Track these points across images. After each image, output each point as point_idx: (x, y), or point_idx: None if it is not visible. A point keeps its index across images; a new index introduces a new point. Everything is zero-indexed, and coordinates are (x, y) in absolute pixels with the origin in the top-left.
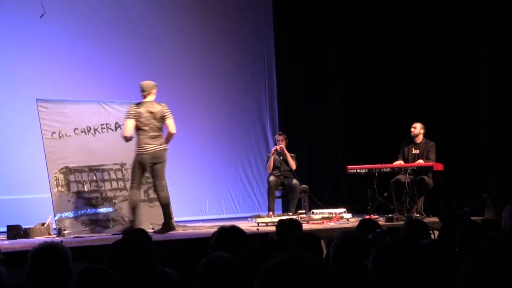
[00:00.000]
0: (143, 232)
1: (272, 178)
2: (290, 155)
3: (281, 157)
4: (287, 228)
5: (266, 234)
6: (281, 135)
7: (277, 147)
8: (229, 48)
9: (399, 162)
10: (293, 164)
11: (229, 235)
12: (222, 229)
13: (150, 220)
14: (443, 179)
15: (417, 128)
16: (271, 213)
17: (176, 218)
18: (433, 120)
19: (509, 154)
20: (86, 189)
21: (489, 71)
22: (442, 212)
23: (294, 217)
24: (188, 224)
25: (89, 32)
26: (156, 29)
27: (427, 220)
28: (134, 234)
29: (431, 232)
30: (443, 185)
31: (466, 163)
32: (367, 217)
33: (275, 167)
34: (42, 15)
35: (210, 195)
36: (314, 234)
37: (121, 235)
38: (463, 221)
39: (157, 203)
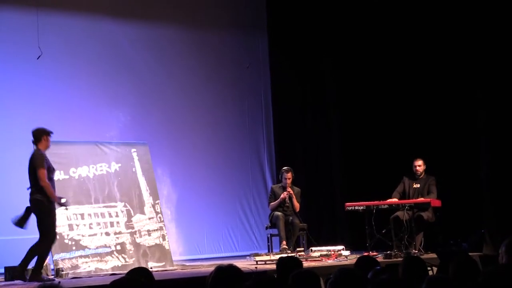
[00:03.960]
0: (145, 271)
1: (279, 212)
2: (295, 190)
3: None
4: (287, 265)
5: (264, 272)
6: (288, 172)
7: (285, 196)
8: (226, 85)
9: (394, 199)
10: (297, 206)
11: (226, 274)
12: (218, 268)
13: (147, 259)
14: (442, 215)
15: (422, 166)
16: (284, 242)
17: (174, 257)
18: (431, 156)
19: (507, 190)
20: (83, 229)
21: (488, 106)
22: (440, 248)
23: (293, 254)
24: (187, 263)
25: (85, 73)
26: (152, 69)
27: (426, 256)
28: (136, 274)
29: (429, 268)
30: (441, 221)
31: (465, 199)
32: (365, 254)
33: (278, 206)
34: (39, 56)
35: (208, 234)
36: (313, 272)
37: (119, 275)
38: (456, 257)
39: (157, 241)
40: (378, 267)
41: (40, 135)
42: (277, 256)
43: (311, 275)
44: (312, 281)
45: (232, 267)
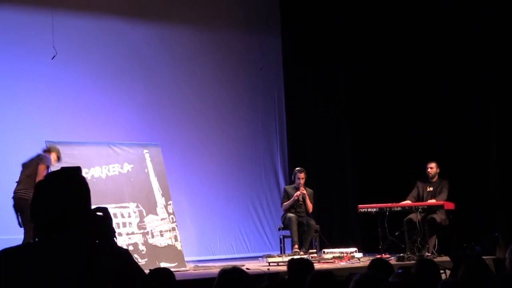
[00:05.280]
0: (167, 272)
1: (292, 214)
2: (308, 191)
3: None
4: (299, 267)
5: (277, 274)
6: (302, 172)
7: (299, 196)
8: (239, 88)
9: (407, 202)
10: (310, 207)
11: (230, 277)
12: (223, 272)
13: (159, 260)
14: (455, 218)
15: (434, 168)
16: (296, 246)
17: (186, 258)
18: (445, 160)
19: None
20: None
21: (498, 109)
22: (453, 251)
23: (305, 256)
24: (199, 264)
25: (98, 73)
26: (165, 69)
27: (439, 259)
28: (156, 275)
29: (442, 272)
30: (454, 224)
31: (478, 201)
32: (378, 256)
33: (291, 207)
34: (54, 56)
35: (221, 235)
36: (331, 273)
37: None
38: (467, 259)
39: (169, 242)
40: (400, 270)
41: (53, 150)
42: (290, 258)
43: (328, 276)
44: (329, 282)
45: (236, 270)
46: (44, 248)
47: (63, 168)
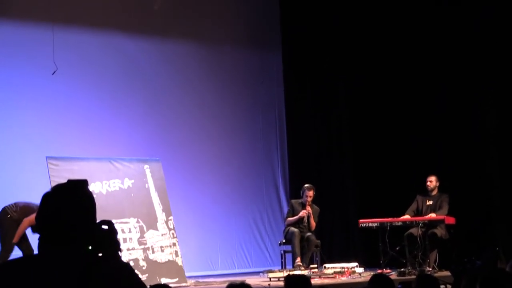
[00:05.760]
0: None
1: (295, 229)
2: (314, 209)
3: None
4: (296, 283)
5: None
6: (310, 190)
7: (304, 215)
8: (240, 101)
9: (408, 217)
10: (313, 225)
11: None
12: (230, 286)
13: (160, 276)
14: (456, 232)
15: (433, 182)
16: (299, 259)
17: (187, 273)
18: (445, 174)
19: None
20: None
21: (500, 124)
22: (453, 265)
23: (306, 271)
24: (200, 280)
25: (98, 88)
26: (166, 85)
27: (440, 274)
28: None
29: (443, 286)
30: (455, 238)
31: (479, 215)
32: (379, 271)
33: (294, 223)
34: (54, 72)
35: (222, 250)
36: None
37: None
38: (468, 274)
39: (170, 258)
40: (400, 285)
41: None
42: (287, 274)
43: None
44: None
45: (243, 285)
46: (46, 260)
47: (69, 181)
